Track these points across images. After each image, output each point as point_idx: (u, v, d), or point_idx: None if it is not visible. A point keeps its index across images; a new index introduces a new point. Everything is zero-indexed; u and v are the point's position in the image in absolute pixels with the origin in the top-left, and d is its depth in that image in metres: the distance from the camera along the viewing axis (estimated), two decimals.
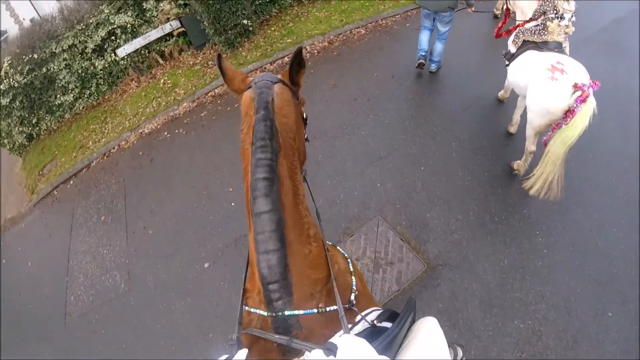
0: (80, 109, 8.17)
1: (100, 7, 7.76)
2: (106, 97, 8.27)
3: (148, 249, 5.19)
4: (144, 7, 7.75)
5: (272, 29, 7.88)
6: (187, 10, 7.65)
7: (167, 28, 7.74)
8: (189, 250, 4.92)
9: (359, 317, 1.51)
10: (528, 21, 4.17)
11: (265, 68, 7.05)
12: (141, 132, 7.04)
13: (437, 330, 1.59)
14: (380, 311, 1.63)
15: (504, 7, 4.73)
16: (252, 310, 1.52)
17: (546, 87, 3.57)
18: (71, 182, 6.96)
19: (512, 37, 4.37)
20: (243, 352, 1.32)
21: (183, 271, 4.76)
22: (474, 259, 4.05)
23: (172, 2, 7.69)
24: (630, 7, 6.74)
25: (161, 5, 7.74)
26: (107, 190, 6.33)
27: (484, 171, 4.75)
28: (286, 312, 1.42)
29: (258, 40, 7.66)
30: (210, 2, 6.92)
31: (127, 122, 7.38)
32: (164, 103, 7.33)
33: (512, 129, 5.02)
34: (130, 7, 7.81)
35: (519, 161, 4.52)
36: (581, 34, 4.62)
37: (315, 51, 7.16)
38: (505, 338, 3.54)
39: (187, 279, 4.67)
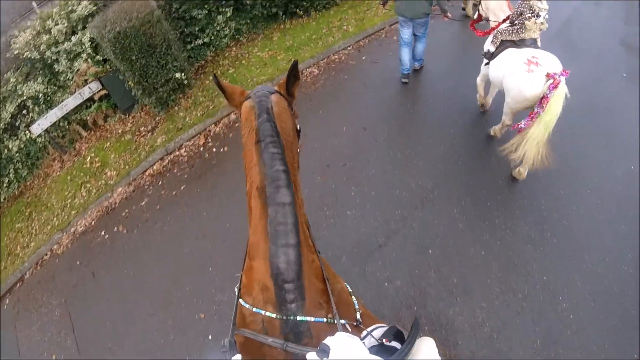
0: (2, 201, 6.88)
1: (5, 75, 6.53)
2: (28, 183, 7.03)
3: None
4: (56, 70, 6.60)
5: (211, 77, 6.86)
6: (108, 67, 6.53)
7: (86, 92, 6.58)
8: None
9: (364, 333, 1.54)
10: (503, 21, 4.75)
11: (210, 131, 6.09)
12: (74, 232, 5.92)
13: (435, 351, 1.57)
14: (385, 328, 1.63)
15: (476, 13, 5.31)
16: (254, 310, 1.45)
17: (523, 78, 4.06)
18: (7, 301, 5.77)
19: (490, 38, 4.82)
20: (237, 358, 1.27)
21: None
22: (507, 349, 3.63)
23: (89, 60, 6.51)
24: (571, 6, 7.34)
25: (76, 64, 6.56)
26: (49, 315, 5.20)
27: (496, 240, 4.28)
28: (299, 317, 1.38)
29: (196, 95, 6.65)
30: (134, 57, 5.89)
31: (55, 219, 6.21)
32: (94, 190, 6.20)
33: (484, 107, 5.49)
34: (40, 72, 6.65)
35: (496, 127, 4.99)
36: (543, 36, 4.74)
37: None
38: None
39: None
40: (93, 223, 5.87)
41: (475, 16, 5.34)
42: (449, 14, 5.51)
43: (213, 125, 6.13)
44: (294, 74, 1.72)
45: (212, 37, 7.23)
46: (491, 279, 4.00)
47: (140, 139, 6.45)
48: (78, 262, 5.52)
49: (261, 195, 1.44)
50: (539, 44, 4.51)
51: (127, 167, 6.16)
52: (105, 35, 5.69)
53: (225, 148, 5.67)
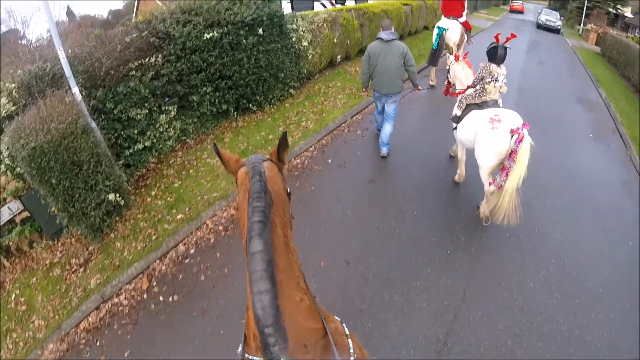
0: None
1: None
2: None
3: None
4: None
5: (153, 193, 5.86)
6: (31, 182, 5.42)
7: (5, 214, 5.44)
8: None
9: None
10: (468, 87, 5.36)
11: (154, 270, 5.01)
12: None
13: None
14: None
15: (446, 81, 6.10)
16: (250, 357, 1.57)
17: (489, 136, 4.49)
18: None
19: (457, 103, 5.40)
20: None
21: None
22: None
23: (8, 172, 5.41)
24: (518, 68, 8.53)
25: None
26: None
27: None
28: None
29: (135, 217, 5.59)
30: (54, 180, 4.83)
31: None
32: (22, 343, 4.91)
33: (459, 179, 5.90)
34: None
35: (484, 203, 5.15)
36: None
37: (214, 235, 5.17)
38: None
39: None
40: None
41: (445, 83, 6.14)
42: (420, 87, 6.26)
43: (158, 261, 5.06)
44: (284, 142, 1.85)
45: (155, 140, 6.32)
46: None
47: (71, 276, 5.28)
48: None
49: (247, 254, 1.52)
50: (500, 104, 5.04)
51: (57, 316, 4.95)
52: (19, 152, 4.65)
53: (175, 296, 4.59)
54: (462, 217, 5.24)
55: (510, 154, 4.37)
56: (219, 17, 6.81)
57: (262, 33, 7.31)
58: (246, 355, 1.58)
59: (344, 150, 6.32)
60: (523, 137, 4.27)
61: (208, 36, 6.59)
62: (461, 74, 5.67)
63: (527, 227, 5.16)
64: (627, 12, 39.30)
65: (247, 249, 1.51)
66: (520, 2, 45.04)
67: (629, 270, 4.75)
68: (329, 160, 5.87)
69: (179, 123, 6.65)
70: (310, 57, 9.21)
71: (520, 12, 43.02)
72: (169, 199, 5.67)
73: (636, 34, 34.81)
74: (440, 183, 5.84)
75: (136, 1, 22.59)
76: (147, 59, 6.41)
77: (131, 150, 6.10)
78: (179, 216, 5.38)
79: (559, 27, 29.49)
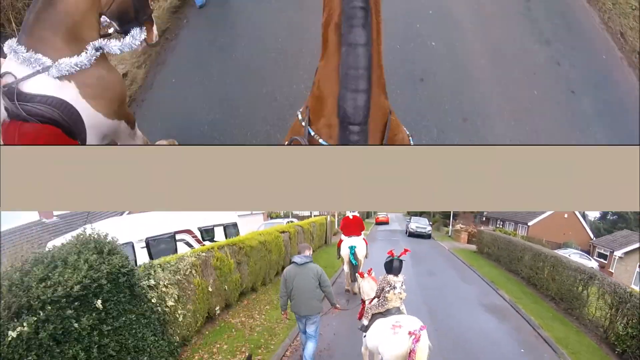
0: None
1: None
2: None
3: None
4: None
5: None
6: None
7: None
8: None
9: None
10: (372, 299, 6.12)
11: None
12: None
13: None
14: None
15: (361, 299, 6.87)
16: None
17: (391, 341, 5.09)
18: None
19: (364, 314, 6.17)
20: None
21: None
22: None
23: None
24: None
25: None
26: None
27: None
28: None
29: None
30: None
31: None
32: None
33: None
34: None
35: None
36: None
37: None
38: None
39: None
40: None
41: (360, 306, 6.80)
42: (338, 306, 6.86)
43: None
44: None
45: None
46: None
47: None
48: None
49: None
50: (403, 310, 5.74)
51: None
52: None
53: None
54: None
55: (410, 353, 4.80)
56: (29, 297, 4.61)
57: (101, 306, 5.25)
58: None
59: None
60: (420, 337, 4.81)
61: (14, 334, 4.49)
62: (367, 288, 6.44)
63: None
64: None
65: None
66: (385, 214, 49.79)
67: None
68: None
69: None
70: (180, 318, 7.43)
71: (386, 223, 47.27)
72: None
73: (498, 226, 40.10)
74: None
75: None
76: None
77: None
78: None
79: (429, 232, 32.54)
